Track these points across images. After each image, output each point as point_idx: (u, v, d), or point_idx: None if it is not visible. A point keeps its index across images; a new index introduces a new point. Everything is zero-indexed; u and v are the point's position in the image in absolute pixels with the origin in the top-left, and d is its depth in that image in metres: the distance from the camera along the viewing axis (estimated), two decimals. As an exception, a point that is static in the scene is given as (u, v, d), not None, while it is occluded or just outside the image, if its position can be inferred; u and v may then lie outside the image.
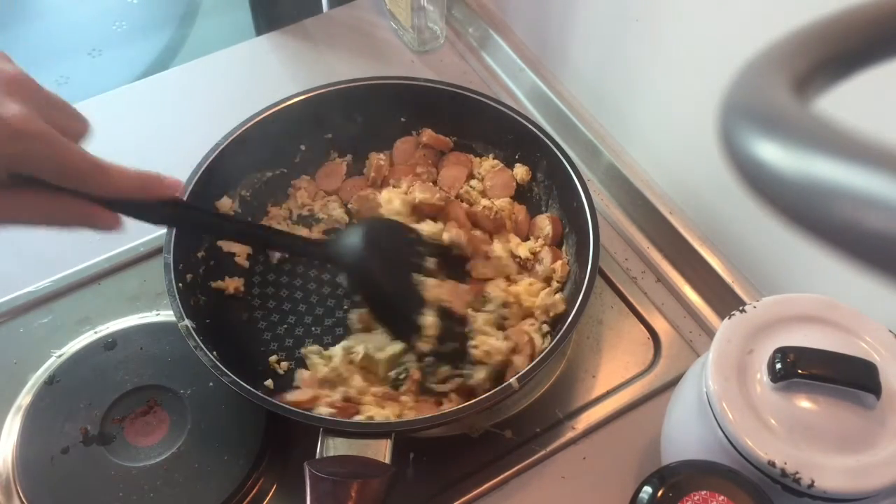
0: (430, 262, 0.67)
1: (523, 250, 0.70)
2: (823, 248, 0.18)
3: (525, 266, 0.70)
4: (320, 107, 0.74)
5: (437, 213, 0.72)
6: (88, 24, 1.31)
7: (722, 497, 0.45)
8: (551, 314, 0.66)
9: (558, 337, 0.60)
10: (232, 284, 0.70)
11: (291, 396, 0.61)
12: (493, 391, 0.57)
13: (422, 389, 0.63)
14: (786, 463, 0.46)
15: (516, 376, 0.57)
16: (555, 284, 0.68)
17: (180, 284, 0.62)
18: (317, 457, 0.53)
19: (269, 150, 0.74)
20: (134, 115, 0.86)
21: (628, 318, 0.72)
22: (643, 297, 0.73)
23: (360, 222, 0.73)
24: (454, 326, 0.64)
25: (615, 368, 0.69)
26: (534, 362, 0.58)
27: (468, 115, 0.75)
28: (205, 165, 0.68)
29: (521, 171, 0.74)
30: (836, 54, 0.24)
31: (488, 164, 0.76)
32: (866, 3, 0.25)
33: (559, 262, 0.68)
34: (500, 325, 0.66)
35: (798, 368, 0.47)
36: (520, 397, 0.66)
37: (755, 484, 0.46)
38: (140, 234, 0.74)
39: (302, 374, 0.64)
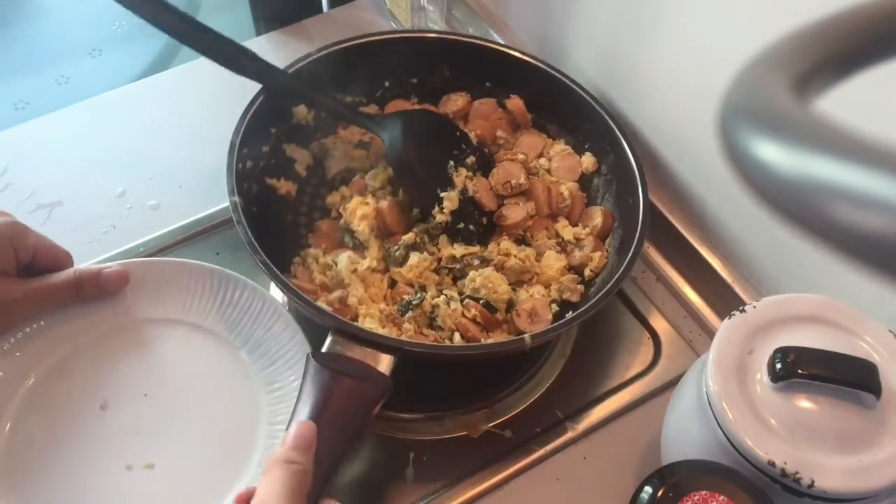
0: (470, 160, 0.72)
1: (568, 233, 0.71)
2: (823, 249, 0.18)
3: (564, 248, 0.71)
4: (414, 49, 0.76)
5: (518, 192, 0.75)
6: (88, 24, 1.31)
7: (722, 497, 0.45)
8: (564, 296, 0.68)
9: (572, 317, 0.60)
10: (285, 186, 0.72)
11: (297, 281, 0.64)
12: (506, 340, 0.61)
13: (429, 324, 0.65)
14: (786, 463, 0.46)
15: (530, 334, 0.58)
16: (587, 273, 0.69)
17: (239, 165, 0.65)
18: (323, 350, 0.55)
19: (356, 74, 0.76)
20: (134, 115, 0.86)
21: (628, 318, 0.72)
22: (643, 297, 0.73)
23: (416, 110, 0.78)
24: (475, 213, 0.71)
25: (615, 368, 0.69)
26: (551, 326, 0.61)
27: (552, 95, 0.75)
28: (297, 65, 0.71)
29: (588, 161, 0.75)
30: (836, 54, 0.24)
31: (559, 147, 0.77)
32: (866, 3, 0.25)
33: (598, 254, 0.69)
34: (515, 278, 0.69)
35: (798, 368, 0.47)
36: (520, 397, 0.66)
37: (755, 484, 0.46)
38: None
39: (296, 269, 0.68)
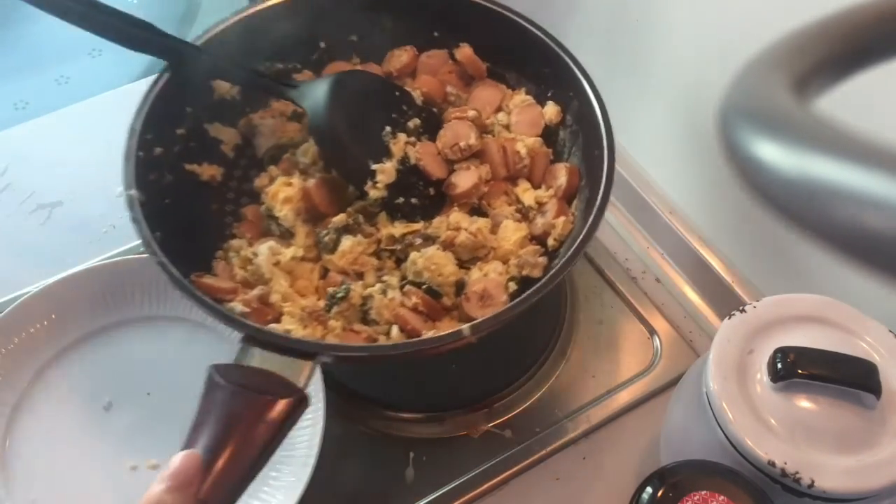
0: (412, 123, 0.64)
1: (529, 198, 0.64)
2: (823, 249, 0.18)
3: (526, 215, 0.64)
4: (348, 1, 0.68)
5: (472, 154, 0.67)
6: (88, 24, 1.31)
7: (722, 497, 0.45)
8: (524, 272, 0.60)
9: (525, 295, 0.52)
10: (208, 171, 0.65)
11: (209, 280, 0.57)
12: (439, 335, 0.51)
13: (363, 318, 0.58)
14: (786, 463, 0.46)
15: (469, 324, 0.50)
16: (551, 242, 0.61)
17: (141, 153, 0.58)
18: (233, 361, 0.48)
19: (284, 39, 0.67)
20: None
21: (628, 318, 0.72)
22: (643, 297, 0.73)
23: (347, 72, 0.67)
24: (419, 184, 0.62)
25: (615, 368, 0.69)
26: (492, 314, 0.52)
27: (507, 39, 0.67)
28: (209, 35, 0.63)
29: (551, 111, 0.67)
30: (836, 54, 0.24)
31: (519, 99, 0.69)
32: (866, 3, 0.25)
33: (562, 219, 0.61)
34: (466, 255, 0.61)
35: (798, 368, 0.47)
36: (520, 397, 0.66)
37: (755, 484, 0.46)
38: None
39: (218, 265, 0.60)
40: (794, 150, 0.19)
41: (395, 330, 0.56)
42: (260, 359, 0.47)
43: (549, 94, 0.68)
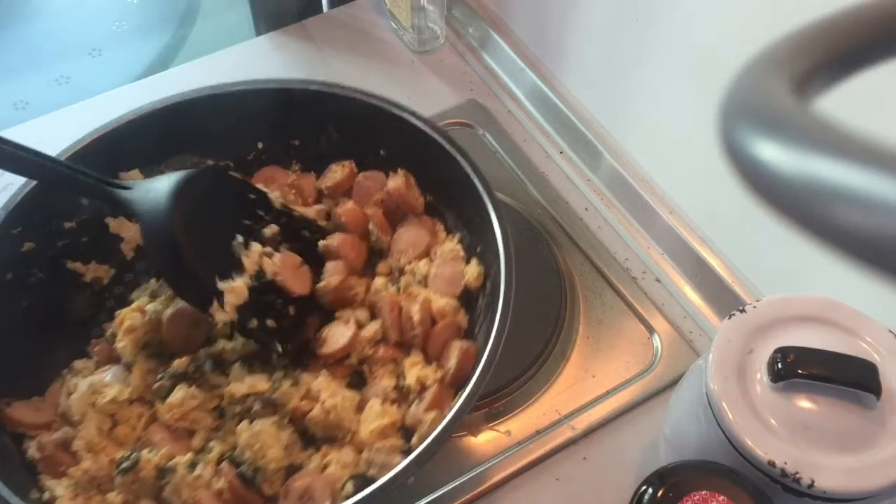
0: (270, 230, 0.55)
1: (412, 375, 0.54)
2: (824, 249, 0.18)
3: (403, 395, 0.54)
4: (294, 103, 0.62)
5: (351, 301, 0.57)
6: (88, 24, 1.31)
7: (722, 497, 0.45)
8: (370, 472, 0.50)
9: None
10: (95, 272, 0.58)
11: (18, 409, 0.50)
12: None
13: (157, 495, 0.47)
14: (786, 463, 0.46)
15: None
16: (414, 440, 0.51)
17: None
18: None
19: (217, 134, 0.61)
20: (134, 115, 0.85)
21: (628, 318, 0.72)
22: (643, 297, 0.73)
23: (193, 171, 0.58)
24: (277, 302, 0.53)
25: (615, 368, 0.69)
26: None
27: (449, 175, 0.58)
28: (116, 125, 0.58)
29: (472, 271, 0.57)
30: (836, 54, 0.24)
31: (448, 247, 0.60)
32: (866, 3, 0.25)
33: (433, 415, 0.50)
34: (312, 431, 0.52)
35: (798, 368, 0.47)
36: (520, 397, 0.66)
37: (755, 484, 0.46)
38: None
39: (53, 387, 0.52)
40: (795, 150, 0.19)
41: None
42: None
43: (478, 250, 0.58)
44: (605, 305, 0.72)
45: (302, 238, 0.58)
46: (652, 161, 0.78)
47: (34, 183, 0.54)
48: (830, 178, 0.18)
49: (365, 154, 0.64)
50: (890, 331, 0.51)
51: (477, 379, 0.47)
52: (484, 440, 0.64)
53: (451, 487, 0.61)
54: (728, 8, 0.61)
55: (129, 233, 0.61)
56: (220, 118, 0.60)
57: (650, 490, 0.47)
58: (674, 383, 0.61)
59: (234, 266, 0.53)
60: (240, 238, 0.54)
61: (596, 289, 0.73)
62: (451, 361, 0.53)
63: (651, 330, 0.71)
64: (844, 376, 0.47)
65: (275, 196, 0.58)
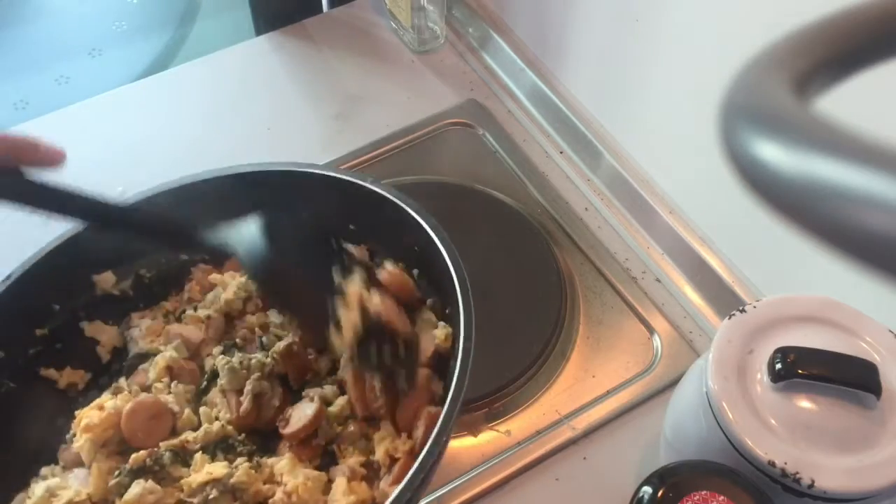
0: (360, 277, 0.52)
1: (382, 451, 0.51)
2: (823, 248, 0.18)
3: (375, 470, 0.52)
4: (259, 187, 0.60)
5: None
6: (88, 24, 1.31)
7: (722, 497, 0.45)
8: None
9: None
10: (70, 377, 0.57)
11: None
12: None
13: None
14: (786, 463, 0.46)
15: None
16: None
17: None
18: None
19: (187, 226, 0.57)
20: (134, 115, 0.86)
21: (628, 318, 0.72)
22: (643, 296, 0.73)
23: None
24: (388, 344, 0.51)
25: (615, 368, 0.69)
26: None
27: (415, 240, 0.57)
28: (85, 227, 0.55)
29: (441, 334, 0.56)
30: (836, 54, 0.24)
31: (420, 312, 0.59)
32: (866, 3, 0.25)
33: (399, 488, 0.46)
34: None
35: (798, 368, 0.47)
36: (520, 397, 0.66)
37: (755, 484, 0.46)
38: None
39: (17, 496, 0.50)
40: (795, 150, 0.19)
41: None
42: None
43: (447, 311, 0.56)
44: (605, 305, 0.72)
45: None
46: (652, 161, 0.78)
47: (10, 282, 0.53)
48: (830, 178, 0.18)
49: (336, 231, 0.62)
50: (890, 331, 0.51)
51: (430, 446, 0.44)
52: (484, 440, 0.64)
53: (451, 487, 0.61)
54: (728, 8, 0.61)
55: (105, 336, 0.59)
56: (185, 210, 0.58)
57: (650, 490, 0.47)
58: (674, 383, 0.61)
59: (334, 288, 0.51)
60: (336, 267, 0.52)
61: (596, 289, 0.73)
62: (419, 431, 0.50)
63: (651, 330, 0.71)
64: (844, 376, 0.47)
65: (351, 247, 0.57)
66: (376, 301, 0.51)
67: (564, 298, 0.72)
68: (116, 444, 0.52)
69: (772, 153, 0.20)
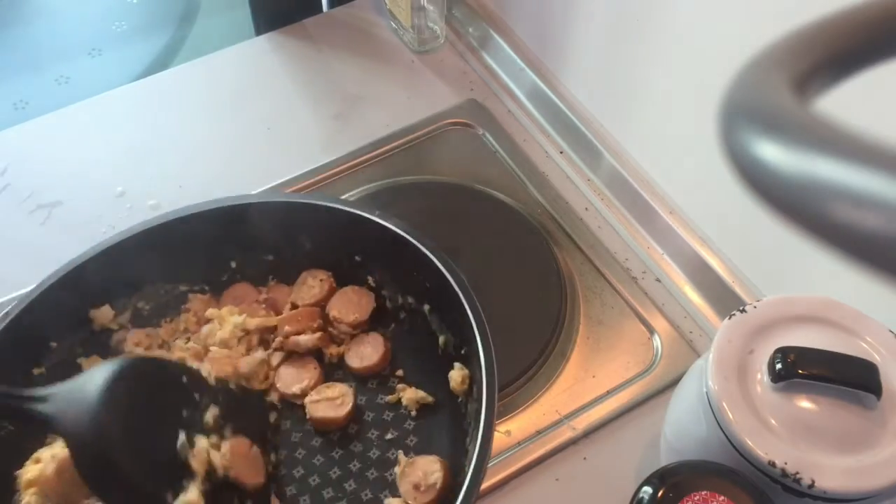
0: (211, 414, 0.50)
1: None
2: (823, 248, 0.18)
3: None
4: (261, 217, 0.59)
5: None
6: (88, 24, 1.31)
7: (722, 497, 0.45)
8: None
9: None
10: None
11: None
12: None
13: None
14: (786, 463, 0.46)
15: None
16: None
17: None
18: None
19: (187, 258, 0.60)
20: (134, 115, 0.86)
21: (628, 318, 0.72)
22: (643, 296, 0.73)
23: (109, 363, 0.50)
24: (234, 499, 0.48)
25: (615, 368, 0.69)
26: None
27: (427, 277, 0.57)
28: (82, 261, 0.54)
29: (457, 376, 0.57)
30: (836, 54, 0.24)
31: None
32: (866, 3, 0.25)
33: None
34: None
35: (798, 368, 0.47)
36: (520, 397, 0.66)
37: (755, 484, 0.46)
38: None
39: None
40: (795, 150, 0.19)
41: None
42: None
43: (463, 352, 0.56)
44: (605, 305, 0.72)
45: (245, 412, 0.52)
46: (652, 161, 0.78)
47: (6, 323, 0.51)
48: (830, 178, 0.18)
49: (340, 262, 0.63)
50: (890, 331, 0.51)
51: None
52: (484, 440, 0.64)
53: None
54: (728, 7, 0.61)
55: None
56: (186, 242, 0.58)
57: (650, 490, 0.47)
58: (674, 383, 0.61)
59: (182, 471, 0.47)
60: (182, 437, 0.47)
61: (596, 289, 0.73)
62: (436, 476, 0.49)
63: (651, 330, 0.71)
64: (845, 376, 0.47)
65: (206, 370, 0.53)
66: (225, 453, 0.48)
67: (564, 298, 0.72)
68: (63, 496, 0.48)
69: (772, 153, 0.20)
